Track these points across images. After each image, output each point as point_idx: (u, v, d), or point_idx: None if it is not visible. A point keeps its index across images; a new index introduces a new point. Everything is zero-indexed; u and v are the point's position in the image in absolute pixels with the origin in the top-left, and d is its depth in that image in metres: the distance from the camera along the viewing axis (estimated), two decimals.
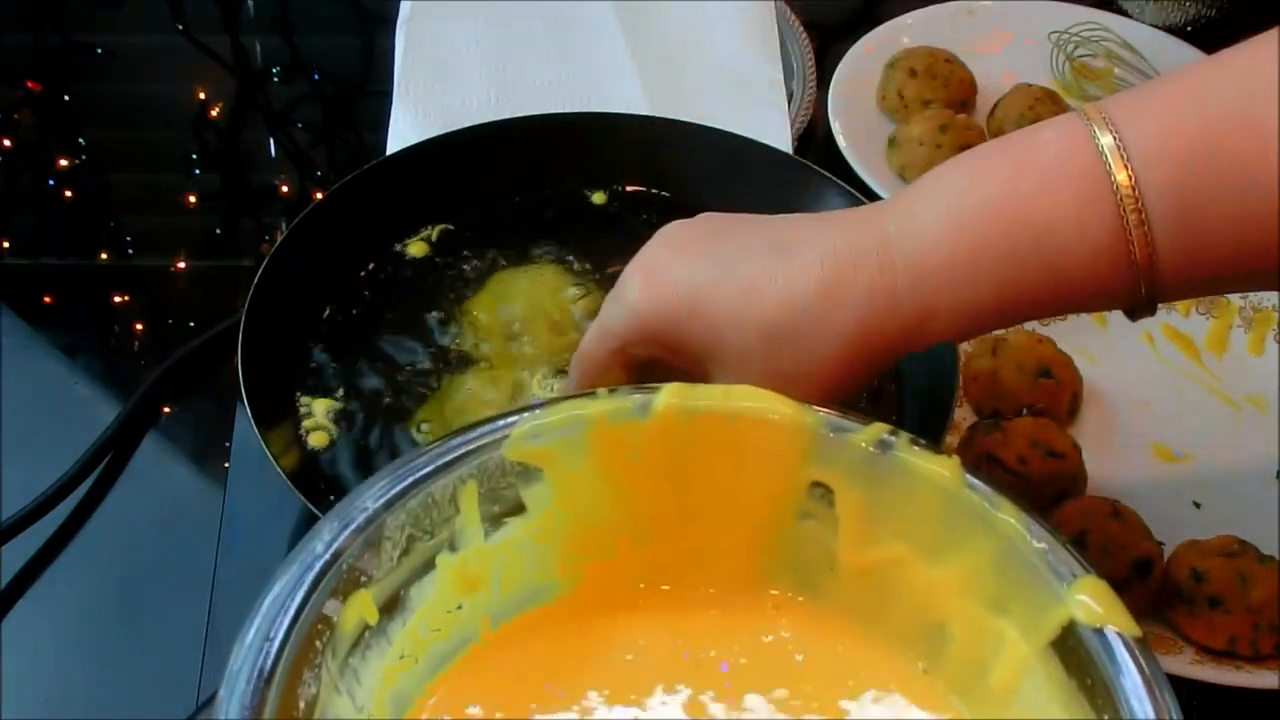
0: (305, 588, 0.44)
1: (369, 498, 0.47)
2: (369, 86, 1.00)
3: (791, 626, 0.52)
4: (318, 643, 0.44)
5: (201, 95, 1.00)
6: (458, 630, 0.50)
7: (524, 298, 0.77)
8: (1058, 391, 0.76)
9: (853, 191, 0.80)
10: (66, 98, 1.00)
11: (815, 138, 0.95)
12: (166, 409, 0.78)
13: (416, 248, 0.79)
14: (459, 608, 0.50)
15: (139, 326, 0.85)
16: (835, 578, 0.52)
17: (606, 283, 0.78)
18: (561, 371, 0.73)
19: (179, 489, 0.76)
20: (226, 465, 0.74)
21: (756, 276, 0.53)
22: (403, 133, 0.89)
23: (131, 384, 0.78)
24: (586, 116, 0.85)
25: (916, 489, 0.49)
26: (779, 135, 0.90)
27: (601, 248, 0.80)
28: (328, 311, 0.75)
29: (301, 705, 0.43)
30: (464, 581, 0.50)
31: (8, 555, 0.71)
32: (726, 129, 0.83)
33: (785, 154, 0.85)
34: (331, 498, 0.67)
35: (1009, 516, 0.48)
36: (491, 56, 0.96)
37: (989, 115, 0.95)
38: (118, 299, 0.86)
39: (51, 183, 0.93)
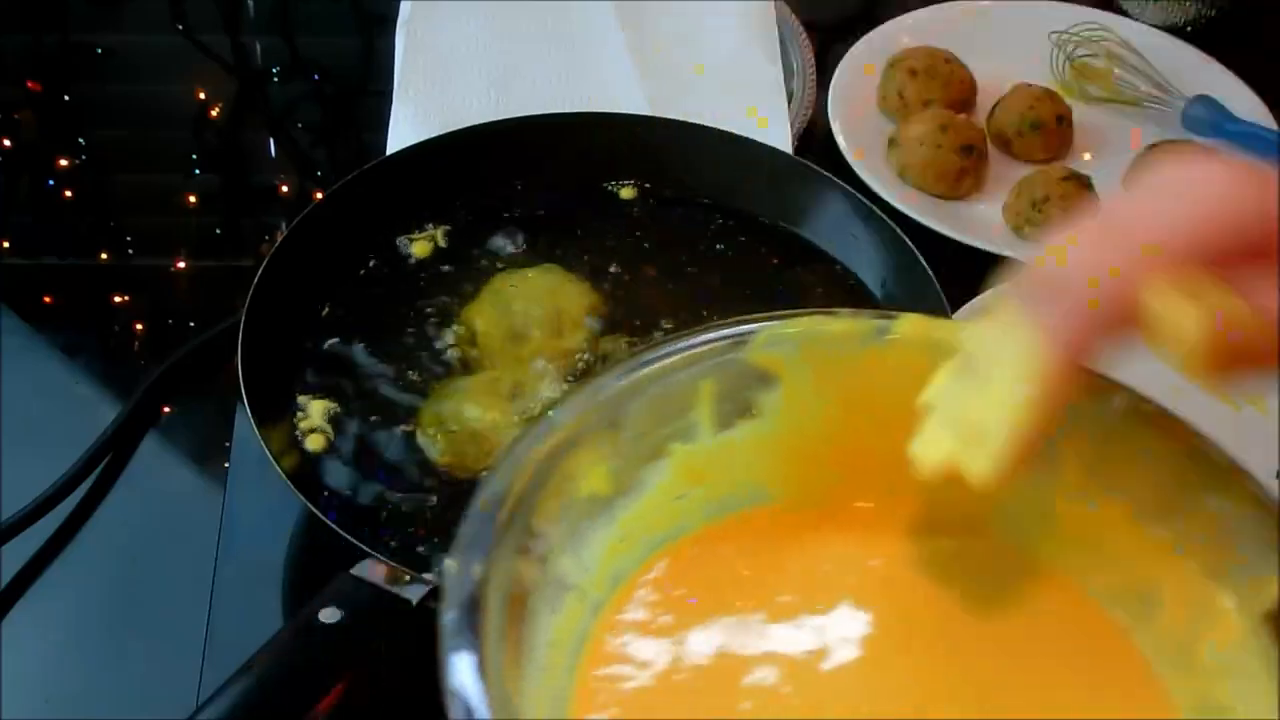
0: (551, 445, 0.46)
1: (614, 377, 0.48)
2: (369, 86, 1.00)
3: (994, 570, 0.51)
4: (556, 501, 0.46)
5: (201, 95, 1.00)
6: (676, 519, 0.51)
7: (524, 299, 0.76)
8: None
9: (853, 191, 0.80)
10: (66, 98, 1.00)
11: (815, 138, 0.95)
12: (166, 409, 0.78)
13: (417, 248, 0.79)
14: (681, 498, 0.51)
15: (139, 326, 0.85)
16: (1048, 527, 0.51)
17: (608, 284, 0.78)
18: (560, 374, 0.73)
19: (179, 489, 0.76)
20: (226, 465, 0.74)
21: None
22: (403, 133, 0.89)
23: (131, 384, 0.78)
24: (586, 116, 0.85)
25: (1150, 444, 0.48)
26: (779, 135, 0.90)
27: (602, 248, 0.80)
28: (328, 311, 0.75)
29: (534, 555, 0.45)
30: (690, 474, 0.51)
31: (8, 555, 0.71)
32: (727, 129, 0.83)
33: (785, 154, 0.85)
34: (331, 496, 0.67)
35: (1247, 480, 0.47)
36: (491, 56, 0.96)
37: (989, 115, 0.95)
38: (118, 299, 0.86)
39: (51, 183, 0.93)
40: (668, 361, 0.49)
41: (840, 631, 0.48)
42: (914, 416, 0.49)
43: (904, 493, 0.51)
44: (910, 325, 0.51)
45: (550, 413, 0.47)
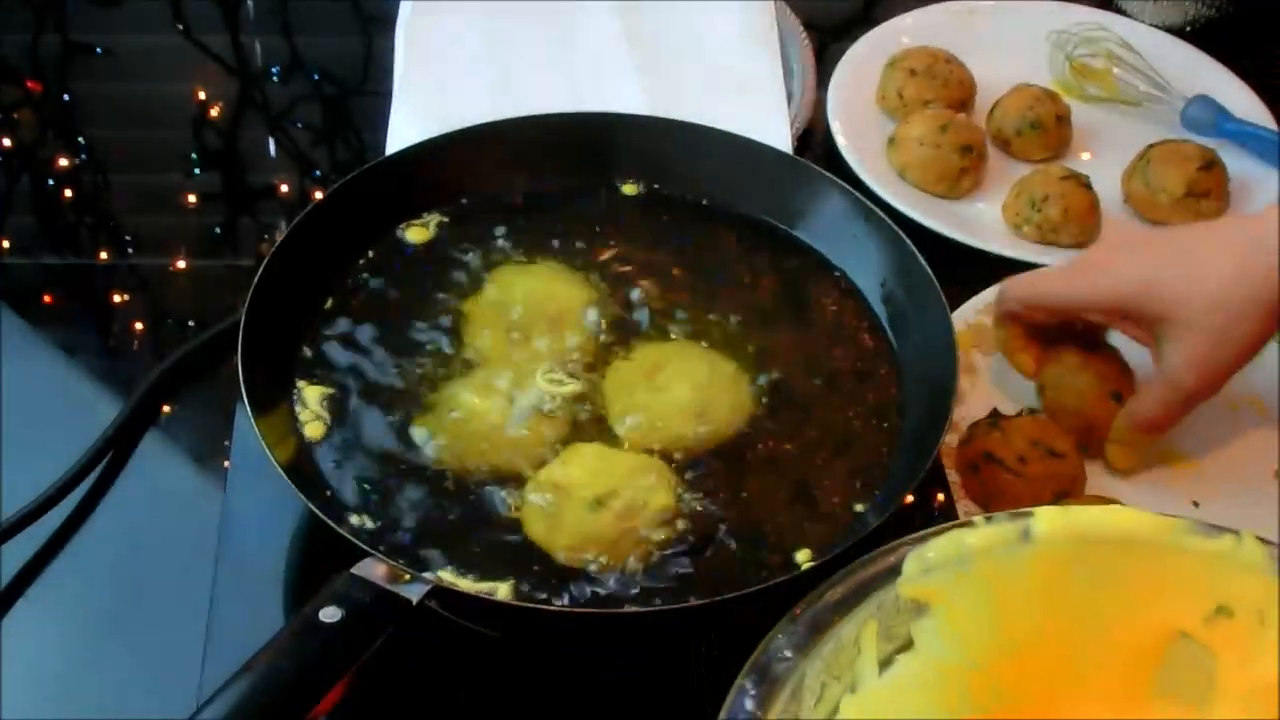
0: None
1: (786, 646, 0.48)
2: (369, 86, 1.00)
3: None
4: None
5: (201, 95, 1.00)
6: None
7: (524, 296, 0.76)
8: None
9: (853, 191, 0.80)
10: (66, 98, 1.00)
11: (815, 138, 0.95)
12: (166, 409, 0.78)
13: (416, 245, 0.79)
14: None
15: (139, 326, 0.85)
16: (1215, 696, 0.50)
17: (606, 281, 0.78)
18: (559, 370, 0.73)
19: (179, 489, 0.76)
20: (226, 466, 0.74)
21: (1195, 268, 0.71)
22: (403, 132, 0.89)
23: (131, 384, 0.78)
24: (586, 116, 0.85)
25: None
26: (779, 135, 0.90)
27: (602, 247, 0.80)
28: (327, 310, 0.75)
29: None
30: None
31: (8, 555, 0.71)
32: (726, 129, 0.83)
33: (785, 154, 0.85)
34: (331, 496, 0.67)
35: None
36: (491, 56, 0.96)
37: (989, 115, 0.95)
38: (118, 299, 0.86)
39: (51, 183, 0.93)
40: (831, 614, 0.49)
41: None
42: (1077, 611, 0.49)
43: (1070, 686, 0.50)
44: (1048, 523, 0.51)
45: (743, 700, 0.46)
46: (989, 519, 0.51)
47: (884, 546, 0.51)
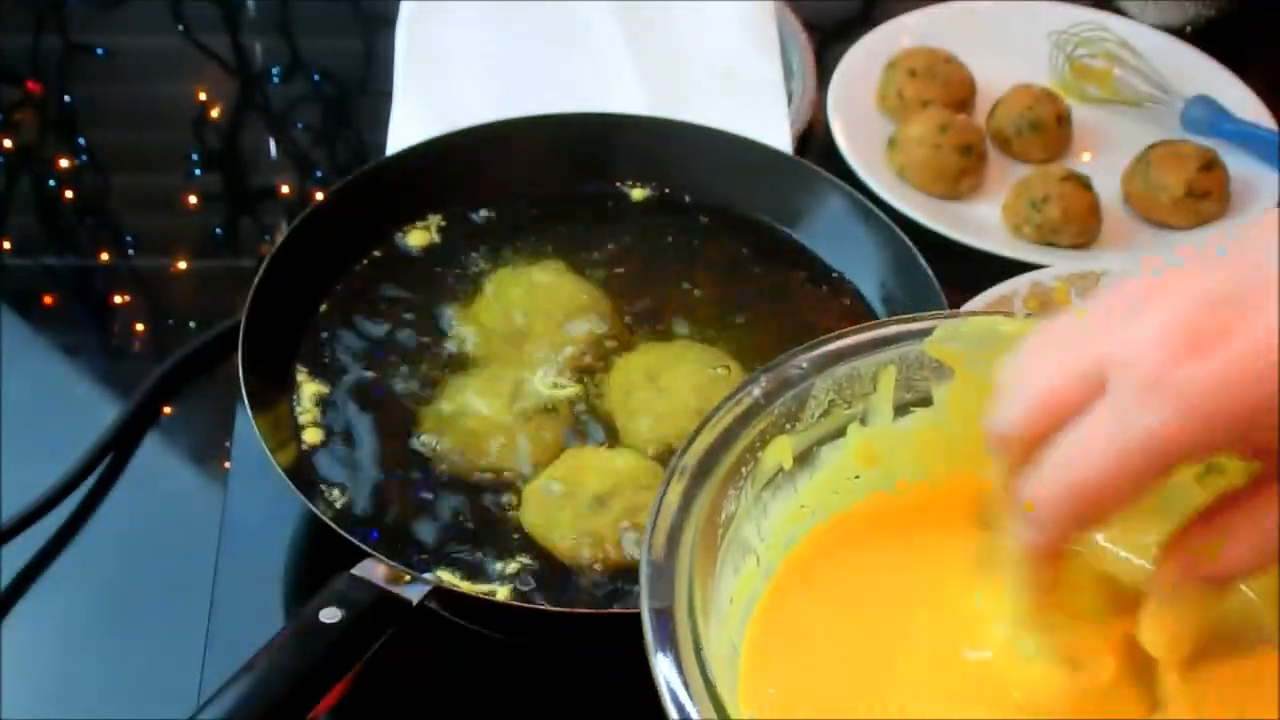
0: (740, 419, 0.50)
1: (804, 360, 0.53)
2: (369, 86, 1.00)
3: None
4: (743, 469, 0.50)
5: (201, 96, 1.00)
6: (847, 495, 0.54)
7: (525, 298, 0.76)
8: None
9: (852, 192, 0.80)
10: (67, 98, 1.00)
11: (815, 138, 0.95)
12: (166, 409, 0.78)
13: (417, 246, 0.79)
14: (856, 477, 0.54)
15: (139, 326, 0.85)
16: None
17: (606, 281, 0.78)
18: (560, 371, 0.73)
19: (179, 489, 0.76)
20: (226, 465, 0.74)
21: None
22: (403, 133, 0.89)
23: (131, 384, 0.78)
24: (586, 116, 0.85)
25: None
26: (779, 135, 0.90)
27: (602, 247, 0.80)
28: (327, 311, 0.75)
29: (722, 516, 0.49)
30: (866, 455, 0.54)
31: (8, 555, 0.71)
32: (726, 129, 0.83)
33: (785, 154, 0.85)
34: (331, 497, 0.67)
35: None
36: (491, 56, 0.96)
37: (989, 115, 0.95)
38: (118, 299, 0.86)
39: (51, 183, 0.93)
40: (854, 343, 0.53)
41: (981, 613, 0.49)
42: None
43: None
44: None
45: (751, 387, 0.51)
46: (1027, 314, 0.55)
47: (913, 315, 0.55)
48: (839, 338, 0.53)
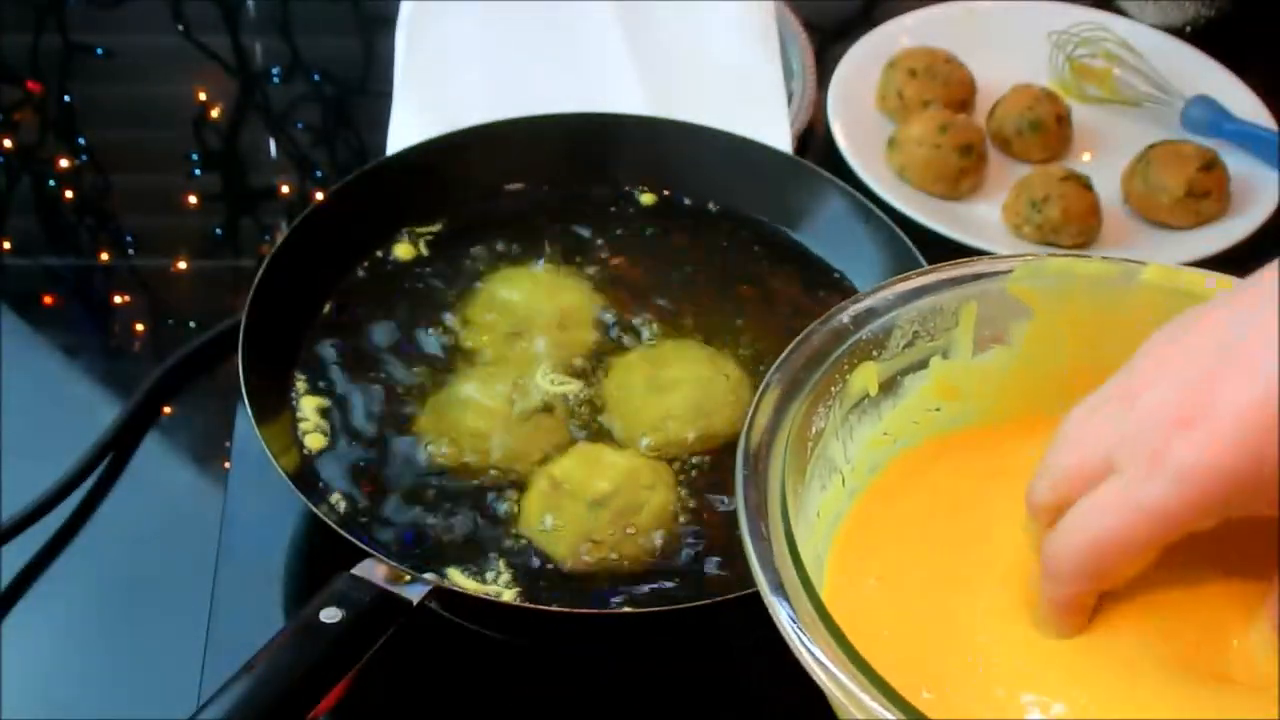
0: (828, 340, 0.54)
1: (890, 292, 0.55)
2: (369, 86, 1.00)
3: None
4: (832, 389, 0.53)
5: (201, 96, 1.00)
6: (928, 426, 0.57)
7: (524, 297, 0.76)
8: None
9: (853, 192, 0.80)
10: (67, 98, 1.00)
11: (815, 138, 0.95)
12: (166, 409, 0.78)
13: (417, 246, 0.79)
14: (937, 409, 0.57)
15: (139, 326, 0.85)
16: None
17: (606, 282, 0.78)
18: (560, 370, 0.73)
19: (179, 490, 0.76)
20: (226, 465, 0.74)
21: None
22: (403, 133, 0.89)
23: (131, 384, 0.78)
24: (586, 116, 0.85)
25: None
26: (779, 135, 0.90)
27: (601, 246, 0.80)
28: (328, 311, 0.76)
29: (812, 431, 0.52)
30: (946, 388, 0.57)
31: (8, 555, 0.71)
32: (726, 129, 0.83)
33: (785, 154, 0.85)
34: (332, 497, 0.67)
35: None
36: (491, 56, 0.96)
37: (989, 115, 0.96)
38: (118, 299, 0.86)
39: (51, 183, 0.93)
40: (938, 279, 0.56)
41: None
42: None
43: None
44: (1156, 273, 0.55)
45: (841, 315, 0.54)
46: (1104, 258, 0.57)
47: (995, 256, 0.58)
48: (924, 274, 0.56)
